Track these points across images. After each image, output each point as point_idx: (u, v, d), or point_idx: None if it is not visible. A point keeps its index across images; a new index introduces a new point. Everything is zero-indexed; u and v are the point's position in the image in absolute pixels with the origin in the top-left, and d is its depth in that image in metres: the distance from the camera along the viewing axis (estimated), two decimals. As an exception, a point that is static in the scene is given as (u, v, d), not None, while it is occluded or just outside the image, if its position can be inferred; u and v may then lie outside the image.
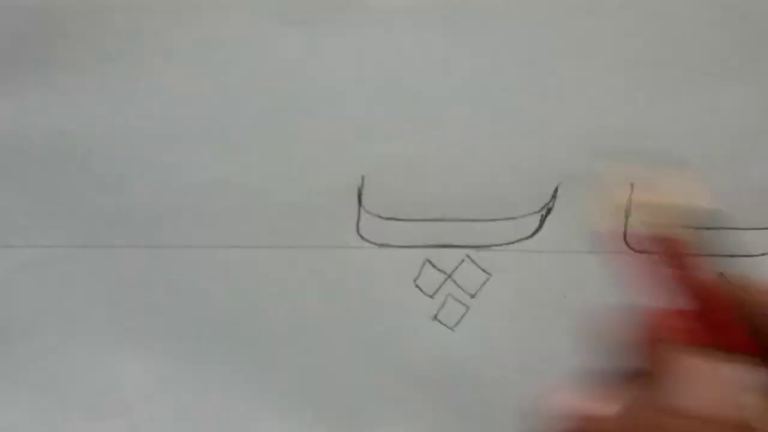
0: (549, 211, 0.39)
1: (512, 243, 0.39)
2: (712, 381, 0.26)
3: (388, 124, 0.38)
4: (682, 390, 0.25)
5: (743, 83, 0.39)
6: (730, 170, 0.39)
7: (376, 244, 0.38)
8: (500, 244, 0.39)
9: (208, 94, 0.38)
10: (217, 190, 0.38)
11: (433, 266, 0.39)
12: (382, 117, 0.38)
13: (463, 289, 0.39)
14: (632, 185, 0.39)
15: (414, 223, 0.39)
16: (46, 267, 0.38)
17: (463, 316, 0.39)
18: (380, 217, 0.38)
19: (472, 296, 0.39)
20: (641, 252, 0.39)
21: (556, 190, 0.39)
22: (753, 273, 0.39)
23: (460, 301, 0.39)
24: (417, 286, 0.39)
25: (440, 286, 0.39)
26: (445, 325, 0.40)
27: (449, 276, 0.39)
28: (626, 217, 0.39)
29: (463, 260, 0.39)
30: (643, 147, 0.39)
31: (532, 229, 0.39)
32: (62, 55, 0.37)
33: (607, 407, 0.27)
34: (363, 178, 0.38)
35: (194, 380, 0.38)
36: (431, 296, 0.40)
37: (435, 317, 0.40)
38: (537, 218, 0.39)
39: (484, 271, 0.39)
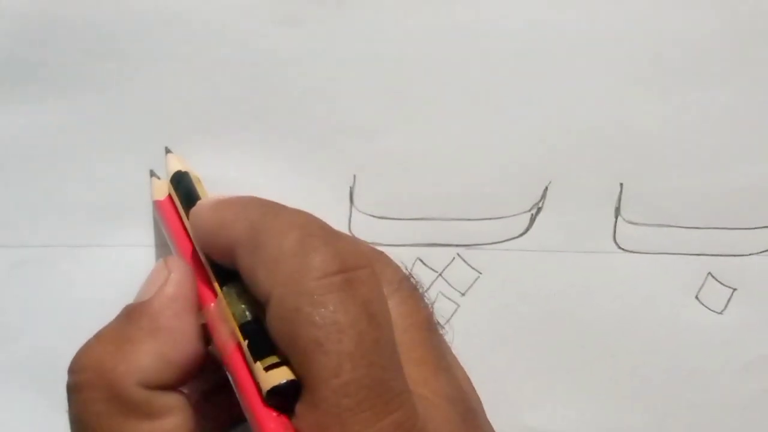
0: (539, 210, 0.39)
1: (502, 242, 0.39)
2: None
3: (379, 124, 0.38)
4: None
5: (732, 83, 0.39)
6: (718, 170, 0.40)
7: (367, 242, 0.38)
8: (490, 243, 0.39)
9: (199, 93, 0.38)
10: (213, 189, 0.38)
11: (424, 264, 0.39)
12: (373, 116, 0.38)
13: (453, 287, 0.39)
14: (621, 184, 0.39)
15: (405, 222, 0.39)
16: (41, 266, 0.38)
17: (453, 314, 0.39)
18: (372, 216, 0.39)
19: (463, 294, 0.39)
20: (630, 251, 0.40)
21: (546, 190, 0.39)
22: (743, 273, 0.40)
23: (450, 299, 0.39)
24: (408, 285, 0.40)
25: (431, 284, 0.39)
26: (435, 322, 0.40)
27: (440, 274, 0.39)
28: (616, 217, 0.40)
29: (453, 258, 0.39)
30: (633, 146, 0.39)
31: (522, 228, 0.39)
32: (54, 54, 0.37)
33: None
34: (355, 177, 0.39)
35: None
36: (422, 294, 0.40)
37: (425, 315, 0.40)
38: (527, 217, 0.39)
39: (474, 269, 0.39)
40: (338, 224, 0.38)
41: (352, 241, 0.29)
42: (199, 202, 0.33)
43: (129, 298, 0.37)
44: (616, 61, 0.39)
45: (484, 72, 0.38)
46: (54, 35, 0.37)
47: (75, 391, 0.29)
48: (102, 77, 0.37)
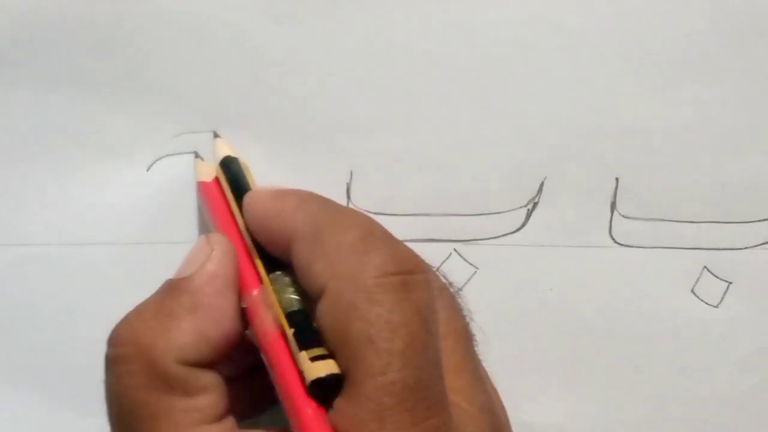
0: (535, 205, 0.39)
1: (499, 237, 0.39)
2: None
3: (376, 120, 0.38)
4: None
5: (727, 78, 0.39)
6: (713, 164, 0.40)
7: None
8: (487, 238, 0.39)
9: (195, 91, 0.38)
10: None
11: (421, 260, 0.39)
12: (370, 113, 0.38)
13: (450, 283, 0.39)
14: (617, 179, 0.40)
15: (402, 217, 0.39)
16: (40, 265, 0.38)
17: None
18: (369, 212, 0.39)
19: (459, 289, 0.39)
20: (626, 246, 0.40)
21: (542, 185, 0.39)
22: (739, 267, 0.40)
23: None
24: (405, 280, 0.40)
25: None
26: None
27: (437, 270, 0.39)
28: (611, 211, 0.40)
29: (450, 254, 0.39)
30: (628, 141, 0.39)
31: (519, 224, 0.39)
32: (55, 53, 0.37)
33: None
34: (351, 173, 0.39)
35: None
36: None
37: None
38: (523, 213, 0.39)
39: (471, 264, 0.39)
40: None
41: (408, 247, 0.30)
42: (256, 189, 0.34)
43: (129, 296, 0.38)
44: (612, 57, 0.39)
45: (480, 68, 0.39)
46: (52, 34, 0.37)
47: (113, 363, 0.30)
48: (99, 76, 0.37)
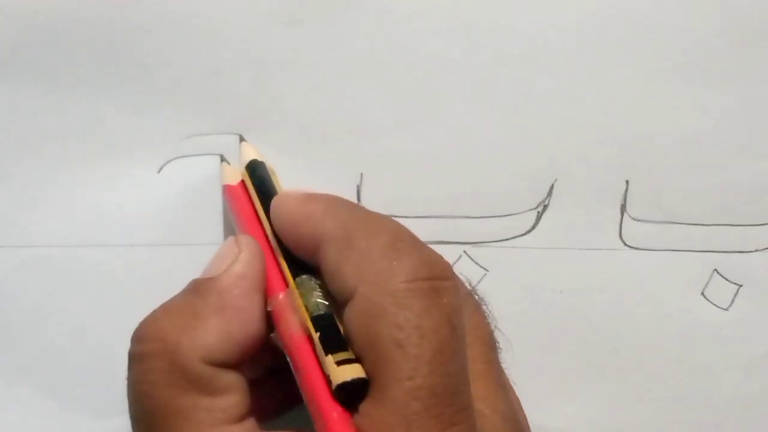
0: (545, 207, 0.39)
1: (509, 239, 0.39)
2: None
3: (386, 123, 0.38)
4: None
5: (737, 80, 0.39)
6: (723, 166, 0.40)
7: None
8: (497, 241, 0.39)
9: (204, 94, 0.38)
10: (216, 190, 0.38)
11: (431, 262, 0.39)
12: (380, 115, 0.38)
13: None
14: (627, 182, 0.40)
15: (412, 220, 0.39)
16: (45, 266, 0.38)
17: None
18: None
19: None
20: (636, 248, 0.40)
21: (552, 187, 0.39)
22: (749, 270, 0.40)
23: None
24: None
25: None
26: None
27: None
28: (621, 214, 0.40)
29: (460, 256, 0.39)
30: (639, 143, 0.39)
31: (529, 226, 0.39)
32: (59, 56, 0.37)
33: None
34: (362, 175, 0.39)
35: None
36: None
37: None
38: (533, 215, 0.39)
39: (480, 267, 0.39)
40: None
41: (436, 252, 0.30)
42: (284, 192, 0.34)
43: (134, 298, 0.38)
44: (622, 59, 0.39)
45: (491, 71, 0.39)
46: (57, 36, 0.37)
47: (137, 360, 0.30)
48: (110, 78, 0.37)
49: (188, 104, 0.38)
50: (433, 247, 0.39)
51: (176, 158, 0.38)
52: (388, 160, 0.38)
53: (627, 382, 0.40)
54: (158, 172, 0.38)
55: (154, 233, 0.38)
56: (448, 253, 0.39)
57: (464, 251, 0.39)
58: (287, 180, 0.37)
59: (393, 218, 0.31)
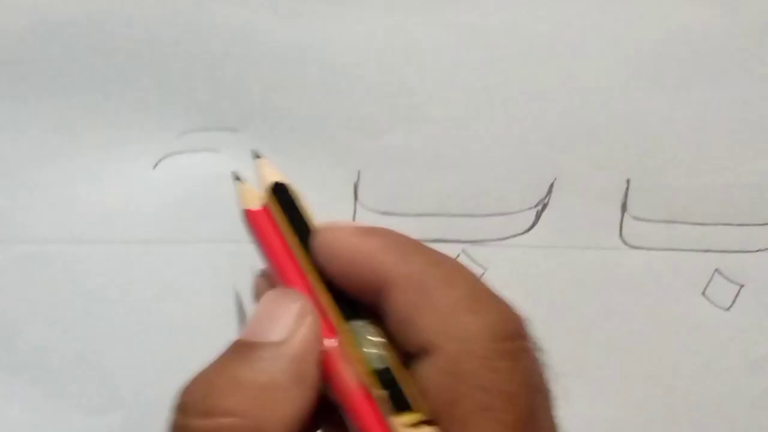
0: (544, 206, 0.39)
1: (508, 238, 0.39)
2: None
3: (385, 120, 0.38)
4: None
5: (739, 80, 0.39)
6: (725, 166, 0.40)
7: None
8: (496, 239, 0.39)
9: (203, 89, 0.38)
10: (216, 185, 0.38)
11: (429, 261, 0.39)
12: (379, 113, 0.38)
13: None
14: (628, 180, 0.39)
15: (410, 218, 0.39)
16: (41, 262, 0.38)
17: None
18: (376, 211, 0.38)
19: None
20: (636, 248, 0.40)
21: (551, 186, 0.39)
22: (750, 270, 0.40)
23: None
24: (413, 281, 0.39)
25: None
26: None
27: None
28: (622, 213, 0.40)
29: (458, 255, 0.39)
30: (639, 143, 0.39)
31: (528, 225, 0.39)
32: (58, 51, 0.37)
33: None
34: (359, 173, 0.38)
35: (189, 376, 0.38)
36: (427, 291, 0.40)
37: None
38: (532, 213, 0.39)
39: (479, 265, 0.39)
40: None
41: (513, 307, 0.29)
42: (331, 224, 0.30)
43: (129, 294, 0.38)
44: (623, 58, 0.39)
45: (490, 70, 0.38)
46: (58, 32, 0.37)
47: None
48: (105, 74, 0.37)
49: (184, 100, 0.38)
50: (431, 245, 0.39)
51: (172, 154, 0.38)
52: (386, 158, 0.38)
53: (626, 382, 0.40)
54: (153, 168, 0.38)
55: (149, 229, 0.38)
56: (447, 252, 0.39)
57: (463, 249, 0.39)
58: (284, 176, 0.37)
59: (460, 263, 0.29)
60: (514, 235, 0.39)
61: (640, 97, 0.39)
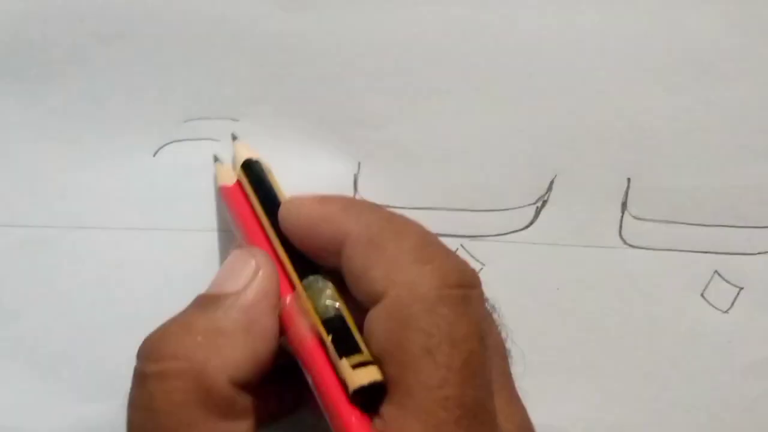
0: (544, 203, 0.39)
1: (507, 234, 0.39)
2: None
3: (385, 113, 0.38)
4: None
5: (741, 80, 0.39)
6: (726, 167, 0.39)
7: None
8: (495, 235, 0.39)
9: (204, 78, 0.38)
10: (211, 174, 0.38)
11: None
12: (379, 105, 0.38)
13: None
14: (629, 179, 0.39)
15: (409, 211, 0.39)
16: (40, 247, 0.38)
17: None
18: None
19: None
20: (635, 247, 0.40)
21: (552, 183, 0.39)
22: (750, 272, 0.40)
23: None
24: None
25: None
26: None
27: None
28: (622, 212, 0.39)
29: (457, 249, 0.39)
30: (640, 142, 0.39)
31: (527, 221, 0.39)
32: (57, 37, 0.37)
33: None
34: (359, 165, 0.38)
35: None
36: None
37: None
38: (532, 210, 0.39)
39: (477, 261, 0.39)
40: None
41: (463, 259, 0.30)
42: (294, 195, 0.33)
43: (128, 281, 0.38)
44: (626, 56, 0.38)
45: (492, 64, 0.38)
46: (57, 18, 0.37)
47: (156, 378, 0.28)
48: (107, 60, 0.37)
49: (185, 88, 0.38)
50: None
51: (172, 142, 0.38)
52: (386, 150, 0.38)
53: (624, 382, 0.40)
54: (153, 156, 0.38)
55: (148, 217, 0.38)
56: (445, 246, 0.39)
57: (461, 244, 0.39)
58: (284, 168, 0.37)
59: (412, 220, 0.30)
60: (514, 231, 0.39)
61: (643, 96, 0.39)
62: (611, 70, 0.38)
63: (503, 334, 0.33)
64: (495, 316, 0.33)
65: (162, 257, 0.38)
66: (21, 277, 0.38)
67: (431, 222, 0.39)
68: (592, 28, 0.38)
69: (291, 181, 0.38)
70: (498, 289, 0.39)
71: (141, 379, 0.29)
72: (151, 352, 0.29)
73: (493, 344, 0.30)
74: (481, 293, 0.29)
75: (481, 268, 0.39)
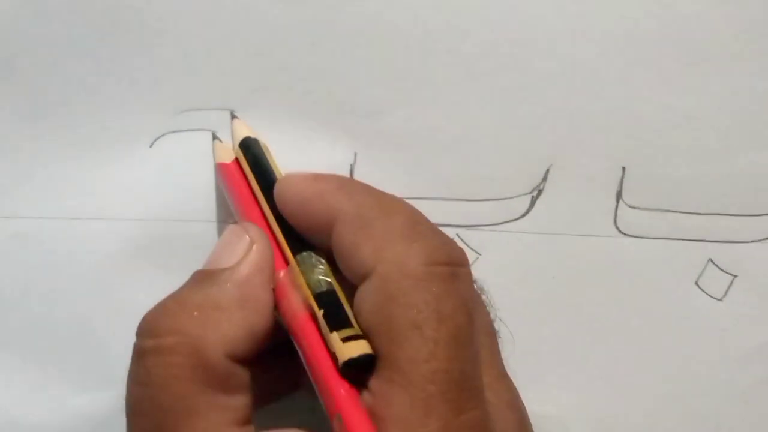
0: (540, 192, 0.39)
1: (502, 223, 0.39)
2: None
3: (381, 102, 0.38)
4: None
5: (736, 69, 0.39)
6: (721, 156, 0.39)
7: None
8: (490, 224, 0.39)
9: (201, 69, 0.37)
10: (209, 166, 0.38)
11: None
12: (375, 95, 0.38)
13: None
14: (624, 168, 0.39)
15: (406, 200, 0.39)
16: (38, 238, 0.38)
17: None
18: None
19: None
20: (630, 236, 0.40)
21: (547, 172, 0.39)
22: (744, 260, 0.40)
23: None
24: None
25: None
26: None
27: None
28: (617, 201, 0.40)
29: (453, 239, 0.39)
30: (635, 131, 0.39)
31: (523, 210, 0.39)
32: (57, 27, 0.37)
33: None
34: (355, 155, 0.38)
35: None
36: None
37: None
38: (528, 199, 0.39)
39: (473, 250, 0.39)
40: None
41: (451, 238, 0.30)
42: (291, 172, 0.33)
43: (125, 271, 0.38)
44: (620, 45, 0.38)
45: (488, 53, 0.38)
46: (53, 8, 0.37)
47: (152, 353, 0.28)
48: (103, 51, 0.37)
49: (182, 79, 0.37)
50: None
51: (168, 133, 0.38)
52: (382, 140, 0.38)
53: (619, 370, 0.40)
54: (150, 147, 0.38)
55: (145, 208, 0.38)
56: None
57: (457, 234, 0.39)
58: (280, 157, 0.37)
59: (401, 199, 0.31)
60: (509, 221, 0.39)
61: (637, 85, 0.39)
62: (606, 60, 0.39)
63: (491, 315, 0.33)
64: (483, 297, 0.33)
65: (159, 248, 0.38)
66: (17, 268, 0.38)
67: (427, 211, 0.39)
68: (586, 17, 0.38)
69: (287, 171, 0.38)
70: (494, 278, 0.39)
71: (138, 354, 0.29)
72: (148, 328, 0.29)
73: (481, 323, 0.30)
74: (469, 272, 0.29)
75: (477, 258, 0.39)
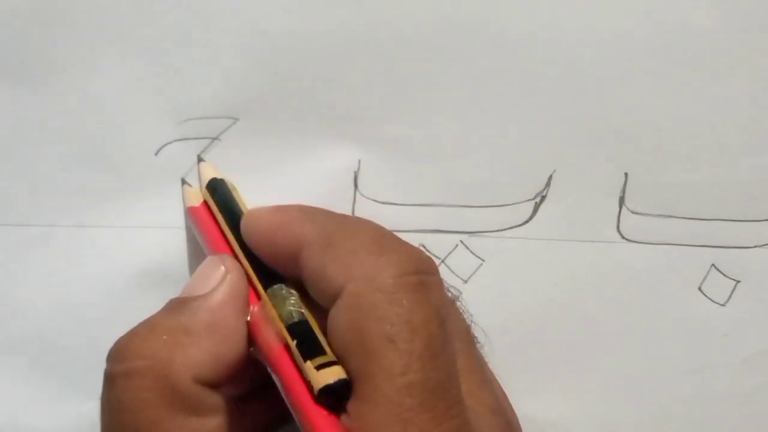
0: (543, 198, 0.39)
1: (506, 230, 0.39)
2: None
3: (385, 110, 0.38)
4: None
5: (737, 74, 0.39)
6: (723, 161, 0.40)
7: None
8: (494, 231, 0.39)
9: (205, 77, 0.38)
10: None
11: (427, 251, 0.39)
12: (379, 102, 0.38)
13: (456, 274, 0.39)
14: (626, 174, 0.39)
15: (409, 207, 0.39)
16: (42, 246, 0.38)
17: (455, 301, 0.39)
18: (376, 201, 0.39)
19: (465, 281, 0.39)
20: (633, 242, 0.40)
21: (550, 178, 0.39)
22: (747, 266, 0.40)
23: (453, 286, 0.39)
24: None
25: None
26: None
27: (443, 261, 0.39)
28: (620, 206, 0.40)
29: (456, 245, 0.39)
30: (638, 137, 0.39)
31: (526, 217, 0.39)
32: (58, 33, 0.37)
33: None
34: (360, 162, 0.39)
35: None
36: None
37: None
38: (531, 205, 0.39)
39: (477, 256, 0.39)
40: (342, 209, 0.38)
41: (419, 249, 0.30)
42: (254, 207, 0.33)
43: (130, 279, 0.38)
44: (623, 51, 0.39)
45: (491, 61, 0.38)
46: (58, 15, 0.37)
47: (122, 377, 0.29)
48: (108, 59, 0.37)
49: (186, 87, 0.38)
50: (430, 236, 0.39)
51: (173, 141, 0.38)
52: (386, 147, 0.38)
53: (622, 376, 0.40)
54: (155, 155, 0.38)
55: (149, 215, 0.38)
56: (444, 242, 0.39)
57: (461, 240, 0.39)
58: (284, 166, 0.37)
59: (365, 220, 0.31)
60: (512, 227, 0.39)
61: (640, 91, 0.39)
62: (608, 66, 0.39)
63: (467, 321, 0.33)
64: (458, 303, 0.33)
65: (164, 254, 0.38)
66: (22, 275, 0.38)
67: (431, 218, 0.39)
68: (589, 24, 0.38)
69: (291, 180, 0.38)
70: (497, 284, 0.39)
71: (108, 379, 0.30)
72: (117, 353, 0.30)
73: (456, 329, 0.30)
74: (440, 280, 0.29)
75: (481, 264, 0.39)
